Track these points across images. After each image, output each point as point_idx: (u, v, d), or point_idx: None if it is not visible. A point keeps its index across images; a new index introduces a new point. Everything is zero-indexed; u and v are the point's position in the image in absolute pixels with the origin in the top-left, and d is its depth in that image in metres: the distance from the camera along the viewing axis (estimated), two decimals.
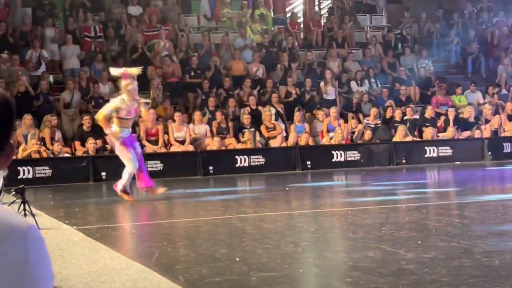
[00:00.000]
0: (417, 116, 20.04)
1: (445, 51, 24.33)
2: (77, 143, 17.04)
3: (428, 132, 19.24)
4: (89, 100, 18.60)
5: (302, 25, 24.61)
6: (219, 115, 18.27)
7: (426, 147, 18.86)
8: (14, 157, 16.15)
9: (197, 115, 18.10)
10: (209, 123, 18.45)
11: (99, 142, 16.91)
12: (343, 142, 18.40)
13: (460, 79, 23.31)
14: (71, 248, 7.70)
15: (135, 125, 17.67)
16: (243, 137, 17.97)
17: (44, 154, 16.21)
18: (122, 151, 12.27)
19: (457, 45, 24.20)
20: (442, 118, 19.98)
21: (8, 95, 1.73)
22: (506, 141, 19.60)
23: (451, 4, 26.61)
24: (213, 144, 17.66)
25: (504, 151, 19.41)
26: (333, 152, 18.12)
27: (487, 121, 20.32)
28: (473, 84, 21.79)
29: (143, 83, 19.55)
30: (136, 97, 12.42)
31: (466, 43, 24.30)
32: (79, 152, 16.86)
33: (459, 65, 24.23)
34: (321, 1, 27.35)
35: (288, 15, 25.28)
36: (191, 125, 18.01)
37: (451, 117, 19.76)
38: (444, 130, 19.61)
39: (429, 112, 19.84)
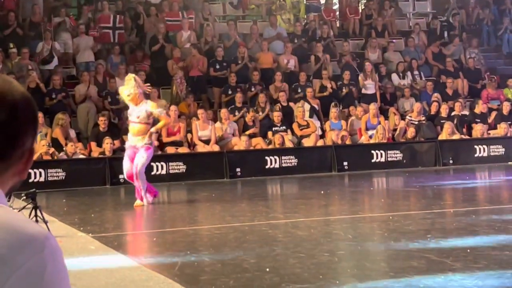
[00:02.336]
0: (466, 112, 19.91)
1: (496, 40, 24.14)
2: (93, 144, 17.14)
3: (478, 129, 19.10)
4: (105, 96, 18.69)
5: (338, 13, 24.55)
6: (250, 113, 18.28)
7: (475, 146, 18.72)
8: None
9: (224, 113, 18.12)
10: (237, 121, 18.48)
11: (116, 142, 16.99)
12: (384, 141, 18.33)
13: None
14: (87, 257, 7.76)
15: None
16: (272, 136, 17.94)
17: (55, 156, 16.33)
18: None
19: (510, 33, 24.00)
20: (494, 113, 19.82)
21: (28, 93, 1.74)
22: None
23: None
24: (240, 144, 17.68)
25: None
26: (372, 152, 18.05)
27: None
28: None
29: (164, 78, 19.68)
30: (143, 101, 12.51)
31: None
32: (95, 153, 16.97)
33: None
34: None
35: (323, 1, 25.24)
36: (217, 124, 18.04)
37: (504, 112, 19.60)
38: (495, 126, 19.45)
39: (479, 107, 19.70)
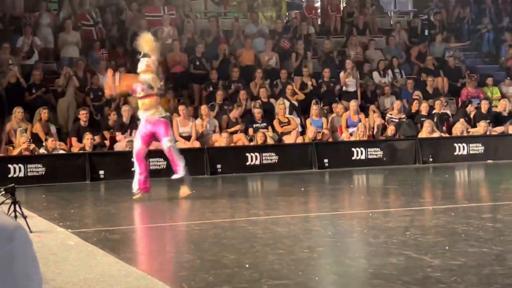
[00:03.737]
0: (447, 110, 19.99)
1: (476, 39, 24.25)
2: (74, 139, 17.07)
3: (458, 128, 19.19)
4: (87, 92, 18.66)
5: (319, 10, 24.58)
6: (231, 110, 18.28)
7: (455, 144, 18.80)
8: (4, 155, 16.13)
9: (204, 109, 18.10)
10: (217, 117, 18.47)
11: (97, 137, 16.95)
12: (364, 138, 18.37)
13: (492, 69, 23.24)
14: (66, 253, 7.73)
15: (136, 119, 17.78)
16: (254, 133, 17.94)
17: (36, 152, 16.25)
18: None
19: (489, 32, 24.13)
20: (473, 112, 19.92)
21: None
22: None
23: None
24: (221, 140, 17.67)
25: None
26: (353, 149, 18.09)
27: None
28: (509, 78, 21.71)
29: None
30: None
31: (499, 30, 24.22)
32: (75, 149, 16.90)
33: (492, 54, 24.15)
34: None
35: None
36: (198, 120, 18.03)
37: (483, 110, 19.71)
38: (475, 125, 19.54)
39: (469, 108, 19.86)
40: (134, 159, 12.73)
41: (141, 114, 12.52)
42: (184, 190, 12.39)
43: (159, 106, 12.44)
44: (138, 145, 12.49)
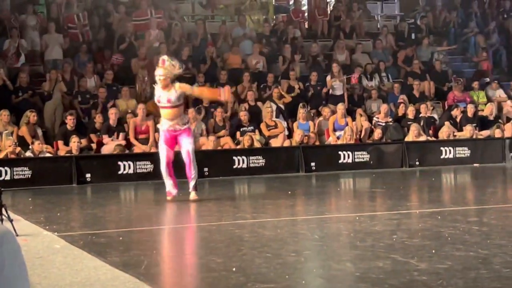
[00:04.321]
0: (434, 114, 20.04)
1: (463, 43, 24.34)
2: (60, 142, 17.02)
3: (444, 131, 19.24)
4: (75, 95, 18.62)
5: (306, 14, 24.62)
6: (218, 113, 18.26)
7: (441, 148, 18.85)
8: None
9: (191, 113, 18.08)
10: (204, 120, 18.46)
11: (83, 141, 16.91)
12: (351, 142, 18.39)
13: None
14: (52, 256, 7.70)
15: (123, 122, 17.72)
16: (241, 137, 17.94)
17: (22, 155, 16.18)
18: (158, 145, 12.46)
19: (476, 36, 24.22)
20: (460, 116, 19.98)
21: None
22: None
23: None
24: (208, 143, 17.66)
25: None
26: (340, 152, 18.11)
27: (508, 120, 20.32)
28: (496, 82, 21.80)
29: (129, 76, 19.64)
30: (170, 84, 12.42)
31: (486, 34, 24.32)
32: (62, 152, 16.84)
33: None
34: None
35: (292, 2, 25.30)
36: None
37: (469, 114, 19.77)
38: (461, 129, 19.60)
39: (455, 112, 19.91)
40: (164, 167, 12.50)
41: (164, 122, 12.43)
42: (194, 195, 12.36)
43: (183, 115, 12.45)
44: (168, 154, 12.39)
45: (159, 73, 12.32)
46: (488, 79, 22.44)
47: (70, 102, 18.58)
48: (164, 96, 12.29)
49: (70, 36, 20.44)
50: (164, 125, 12.46)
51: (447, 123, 19.50)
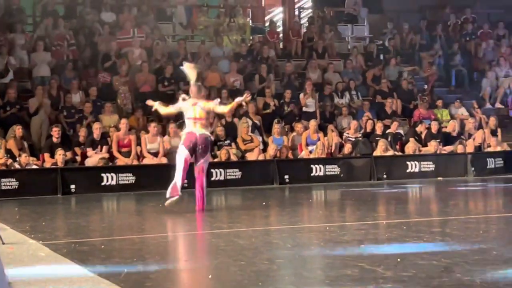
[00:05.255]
0: (400, 130, 20.14)
1: (431, 68, 24.48)
2: (46, 155, 16.93)
3: (410, 147, 19.34)
4: (61, 110, 18.57)
5: (281, 35, 24.69)
6: None
7: (407, 162, 18.94)
8: None
9: (172, 127, 18.04)
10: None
11: (68, 153, 16.83)
12: (323, 156, 18.44)
13: (443, 92, 23.50)
14: (36, 264, 7.64)
15: (107, 136, 17.64)
16: (218, 151, 17.91)
17: (12, 166, 16.10)
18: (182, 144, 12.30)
19: (440, 58, 24.40)
20: (425, 132, 20.10)
21: None
22: (490, 156, 19.76)
23: (435, 15, 26.85)
24: None
25: (487, 167, 19.55)
26: (312, 166, 18.15)
27: (470, 136, 20.46)
28: (458, 101, 21.97)
29: (111, 92, 19.60)
30: (197, 99, 12.35)
31: (449, 56, 24.51)
32: (48, 164, 16.75)
33: (443, 78, 24.41)
34: (301, 10, 27.46)
35: (267, 24, 25.37)
36: (166, 137, 17.96)
37: (433, 130, 19.88)
38: (426, 144, 19.71)
39: (420, 128, 20.00)
40: (181, 164, 12.20)
41: (191, 129, 12.30)
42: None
43: (207, 126, 12.38)
44: (185, 152, 12.17)
45: (192, 88, 12.54)
46: (426, 86, 22.72)
47: (56, 116, 18.50)
48: (189, 111, 12.45)
49: (56, 54, 20.37)
50: (188, 129, 12.42)
51: (412, 139, 19.62)
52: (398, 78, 22.79)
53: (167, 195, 12.22)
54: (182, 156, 12.21)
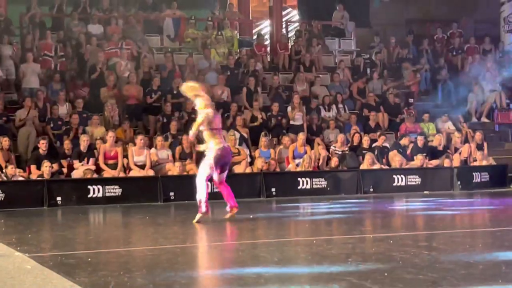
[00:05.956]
0: (386, 144, 20.20)
1: (414, 78, 24.59)
2: (33, 167, 16.88)
3: (397, 160, 19.39)
4: (48, 122, 18.53)
5: (268, 48, 24.76)
6: (184, 140, 18.19)
7: (394, 176, 18.99)
8: None
9: (159, 140, 18.02)
10: (171, 147, 18.39)
11: (55, 165, 16.78)
12: (310, 169, 18.45)
13: (430, 106, 23.59)
14: (23, 276, 7.60)
15: (93, 148, 17.61)
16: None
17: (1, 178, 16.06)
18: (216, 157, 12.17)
19: (426, 72, 24.52)
20: (411, 145, 20.16)
21: None
22: (476, 170, 19.82)
23: (421, 29, 27.01)
24: (174, 169, 17.60)
25: (473, 181, 19.62)
26: (299, 179, 18.16)
27: (456, 150, 20.53)
28: (446, 115, 22.06)
29: (98, 104, 19.58)
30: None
31: (436, 70, 24.63)
32: (34, 176, 16.69)
33: (429, 92, 24.53)
34: (288, 23, 27.54)
35: (255, 37, 25.43)
36: (153, 150, 17.94)
37: (419, 144, 19.95)
38: (412, 158, 19.76)
39: (403, 141, 20.06)
40: (203, 183, 12.34)
41: (223, 142, 12.28)
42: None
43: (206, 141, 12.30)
44: (209, 172, 12.32)
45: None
46: (412, 100, 22.84)
47: (43, 128, 18.46)
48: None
49: (44, 66, 20.35)
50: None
51: (394, 151, 19.69)
52: (385, 91, 22.87)
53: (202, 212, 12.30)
54: (205, 175, 12.31)
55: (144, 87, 20.23)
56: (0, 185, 15.91)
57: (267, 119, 20.39)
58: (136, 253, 9.60)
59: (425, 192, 18.74)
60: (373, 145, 19.86)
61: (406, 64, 23.99)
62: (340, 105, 21.65)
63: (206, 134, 12.16)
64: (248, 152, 19.01)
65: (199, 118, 12.14)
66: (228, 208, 12.57)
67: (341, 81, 22.80)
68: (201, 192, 12.27)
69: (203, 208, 12.26)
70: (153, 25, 23.51)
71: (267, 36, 26.32)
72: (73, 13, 22.31)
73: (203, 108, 12.23)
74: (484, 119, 23.33)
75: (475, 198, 17.95)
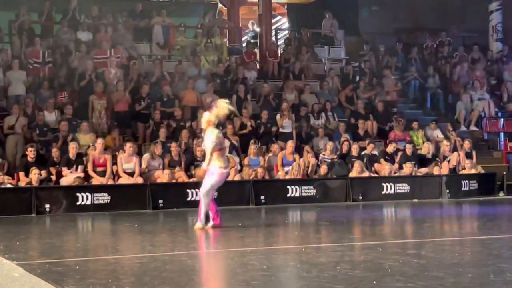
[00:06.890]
0: (375, 152, 20.23)
1: (403, 85, 24.68)
2: (21, 174, 16.81)
3: (385, 168, 19.42)
4: (34, 128, 18.44)
5: (258, 56, 24.76)
6: (173, 148, 18.17)
7: (383, 184, 19.01)
8: None
9: (157, 149, 17.97)
10: (161, 155, 18.36)
11: (43, 172, 16.71)
12: (299, 177, 18.46)
13: (418, 114, 23.66)
14: (11, 284, 7.56)
15: (82, 155, 17.56)
16: (195, 170, 17.87)
17: None
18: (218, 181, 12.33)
19: (415, 80, 24.59)
20: (400, 153, 20.19)
21: None
22: (464, 178, 19.88)
23: (410, 38, 27.10)
24: (163, 176, 17.57)
25: (462, 189, 19.67)
26: (288, 187, 18.15)
27: (445, 158, 20.58)
28: (434, 122, 22.12)
29: (86, 111, 19.53)
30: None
31: (424, 78, 24.70)
32: (22, 183, 16.63)
33: (418, 100, 24.60)
34: (278, 31, 27.57)
35: (244, 45, 25.43)
36: (146, 155, 17.94)
37: (408, 152, 19.99)
38: (401, 166, 19.80)
39: (389, 148, 20.10)
40: (207, 200, 12.47)
41: (227, 163, 12.49)
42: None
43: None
44: (214, 190, 12.59)
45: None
46: (395, 109, 22.89)
47: (31, 135, 18.39)
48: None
49: (32, 72, 20.29)
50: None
51: (382, 159, 19.74)
52: (371, 100, 22.91)
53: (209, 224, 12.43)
54: (210, 192, 12.43)
55: (133, 95, 20.21)
56: None
57: (256, 126, 20.39)
58: (125, 261, 9.57)
59: (414, 200, 18.76)
60: (362, 153, 19.89)
61: (387, 71, 24.03)
62: (329, 113, 21.67)
63: (214, 154, 12.25)
64: (238, 160, 18.99)
65: (211, 144, 12.18)
66: (210, 223, 12.52)
67: (330, 89, 22.83)
68: (206, 205, 12.37)
69: (217, 221, 12.42)
70: (143, 32, 23.48)
71: (256, 40, 26.10)
72: (62, 20, 22.26)
73: (211, 127, 12.31)
74: (472, 128, 23.41)
75: (464, 206, 17.98)
